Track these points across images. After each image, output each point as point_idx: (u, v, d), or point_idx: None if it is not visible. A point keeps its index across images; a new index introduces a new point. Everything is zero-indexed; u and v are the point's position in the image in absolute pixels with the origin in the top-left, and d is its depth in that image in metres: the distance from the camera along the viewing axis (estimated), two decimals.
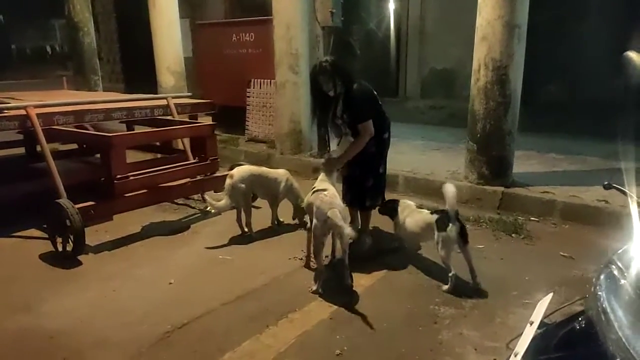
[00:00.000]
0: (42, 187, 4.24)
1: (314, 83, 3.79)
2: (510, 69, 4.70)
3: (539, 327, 1.34)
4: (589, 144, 6.28)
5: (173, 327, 2.90)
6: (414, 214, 3.62)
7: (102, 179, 4.05)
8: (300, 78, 6.46)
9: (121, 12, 13.08)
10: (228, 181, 4.18)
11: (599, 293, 1.23)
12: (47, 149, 4.10)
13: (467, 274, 3.31)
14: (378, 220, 4.12)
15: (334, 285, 3.34)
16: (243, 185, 4.17)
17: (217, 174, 4.97)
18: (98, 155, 5.10)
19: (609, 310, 1.15)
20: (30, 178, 4.73)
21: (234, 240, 4.21)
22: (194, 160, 4.97)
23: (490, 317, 2.98)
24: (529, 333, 1.30)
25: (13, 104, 4.40)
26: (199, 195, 4.94)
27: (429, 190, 5.22)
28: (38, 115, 4.16)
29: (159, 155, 5.92)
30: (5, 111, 4.15)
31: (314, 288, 3.30)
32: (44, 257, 3.88)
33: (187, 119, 5.53)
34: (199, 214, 4.95)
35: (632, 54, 1.39)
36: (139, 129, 5.65)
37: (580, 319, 1.28)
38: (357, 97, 3.70)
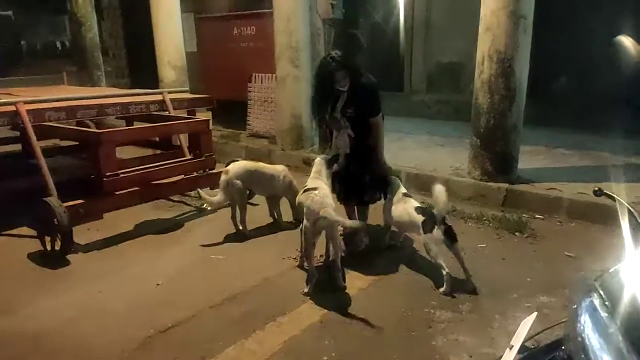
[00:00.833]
0: (34, 185, 4.15)
1: (326, 79, 3.57)
2: (515, 61, 4.51)
3: (519, 352, 1.18)
4: (601, 139, 6.03)
5: (155, 331, 2.80)
6: (406, 204, 3.51)
7: (92, 176, 3.96)
8: (301, 72, 6.32)
9: (127, 7, 13.02)
10: (223, 177, 4.09)
11: (579, 327, 1.05)
12: (37, 146, 4.01)
13: (463, 273, 3.20)
14: (377, 220, 4.00)
15: (327, 287, 3.22)
16: (238, 182, 4.07)
17: (215, 170, 4.85)
18: None
19: (589, 349, 0.99)
20: (23, 175, 4.65)
21: (228, 239, 4.11)
22: (189, 157, 4.86)
23: (488, 322, 2.84)
24: (508, 358, 1.15)
25: (3, 100, 4.31)
26: (195, 192, 4.83)
27: (431, 187, 5.05)
28: (29, 111, 4.08)
29: (158, 151, 5.81)
30: None
31: (306, 290, 3.19)
32: (32, 257, 3.80)
33: (185, 115, 5.41)
34: (194, 212, 4.84)
35: (622, 38, 1.26)
36: (138, 125, 5.55)
37: (563, 347, 1.12)
38: (368, 90, 3.62)
